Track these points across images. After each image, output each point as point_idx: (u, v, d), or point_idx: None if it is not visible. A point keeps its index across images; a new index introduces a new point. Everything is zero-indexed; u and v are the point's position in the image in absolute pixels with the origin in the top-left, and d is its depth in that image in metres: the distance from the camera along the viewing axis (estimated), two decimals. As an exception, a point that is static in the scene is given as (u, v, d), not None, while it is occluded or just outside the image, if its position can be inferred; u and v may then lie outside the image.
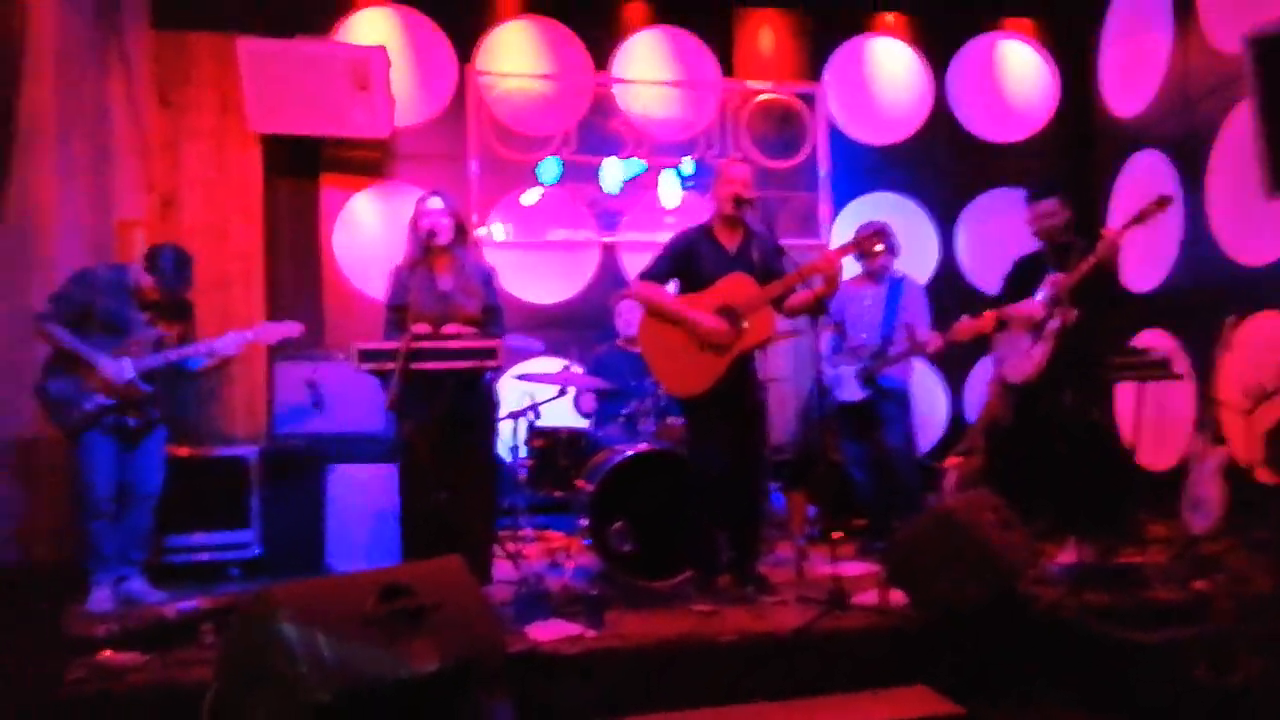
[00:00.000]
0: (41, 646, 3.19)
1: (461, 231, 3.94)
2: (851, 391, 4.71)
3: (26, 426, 4.14)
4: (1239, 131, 5.01)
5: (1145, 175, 5.87)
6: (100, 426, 3.82)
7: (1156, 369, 4.78)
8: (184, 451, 4.51)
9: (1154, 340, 5.42)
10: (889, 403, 4.70)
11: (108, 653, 2.96)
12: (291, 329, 4.13)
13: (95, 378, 3.79)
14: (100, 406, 3.80)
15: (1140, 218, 4.05)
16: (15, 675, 2.96)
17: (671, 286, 3.93)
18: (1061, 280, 4.09)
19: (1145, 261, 5.74)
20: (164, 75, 5.32)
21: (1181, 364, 5.07)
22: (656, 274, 3.89)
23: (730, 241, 3.89)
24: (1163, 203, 4.03)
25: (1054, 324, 4.12)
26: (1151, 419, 4.93)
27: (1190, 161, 5.41)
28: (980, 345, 4.86)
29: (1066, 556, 3.95)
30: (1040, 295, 4.28)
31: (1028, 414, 4.36)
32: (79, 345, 3.79)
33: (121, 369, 3.82)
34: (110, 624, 3.16)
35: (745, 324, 3.71)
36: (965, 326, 4.48)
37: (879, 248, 4.47)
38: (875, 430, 4.71)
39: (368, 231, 5.78)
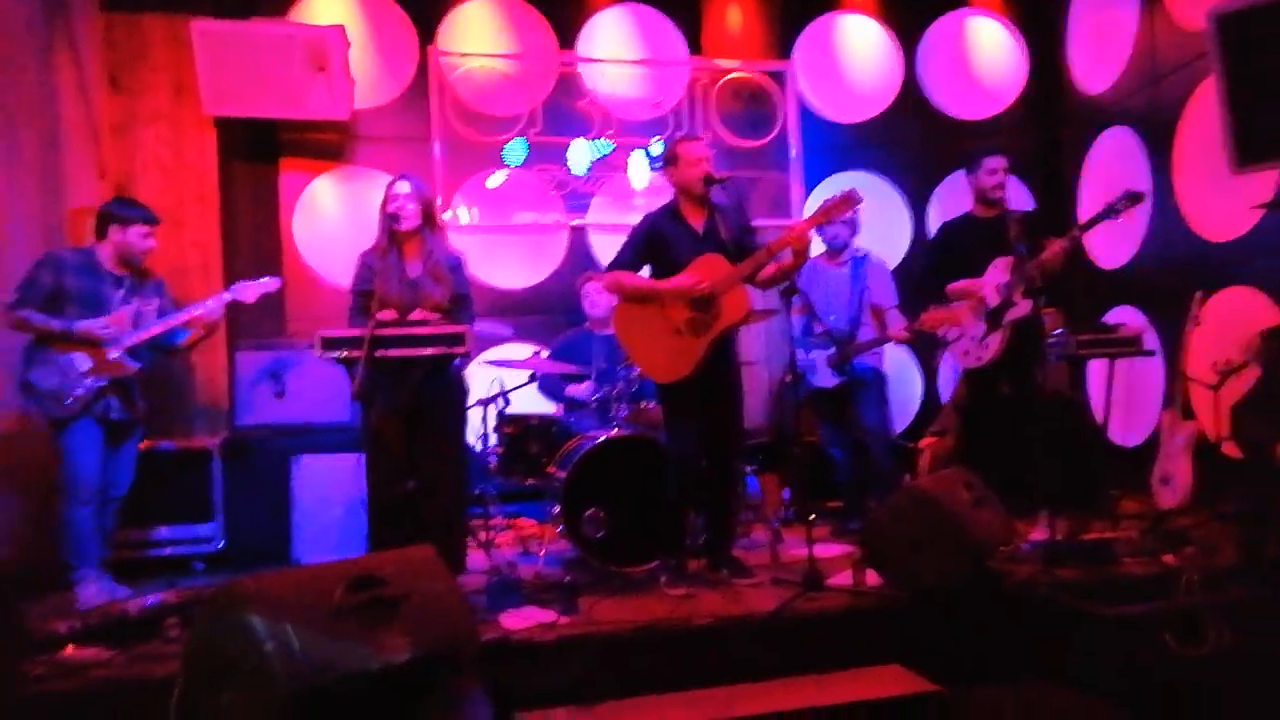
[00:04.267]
0: (5, 645, 3.11)
1: (429, 217, 3.86)
2: (825, 378, 4.70)
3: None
4: (1205, 107, 5.02)
5: (1115, 151, 5.88)
6: (91, 414, 3.72)
7: (1127, 346, 4.82)
8: (143, 444, 4.40)
9: (1124, 317, 5.45)
10: (863, 385, 4.69)
11: (70, 649, 2.91)
12: (270, 285, 4.06)
13: (88, 353, 3.68)
14: (92, 390, 3.70)
15: (1109, 212, 4.06)
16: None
17: (645, 273, 3.87)
18: (1019, 268, 4.12)
19: (1114, 238, 5.77)
20: (115, 58, 5.19)
21: (1151, 340, 5.10)
22: (626, 263, 3.82)
23: (697, 221, 3.83)
24: (1133, 199, 4.04)
25: (1013, 314, 4.17)
26: (1122, 395, 4.95)
27: (1158, 137, 5.43)
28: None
29: (1038, 533, 3.97)
30: (992, 278, 4.29)
31: (984, 396, 4.46)
32: (55, 322, 3.67)
33: (119, 328, 3.72)
34: (72, 620, 3.10)
35: (721, 304, 3.66)
36: (932, 318, 4.46)
37: (848, 215, 4.37)
38: (851, 411, 4.70)
39: (328, 216, 5.66)
